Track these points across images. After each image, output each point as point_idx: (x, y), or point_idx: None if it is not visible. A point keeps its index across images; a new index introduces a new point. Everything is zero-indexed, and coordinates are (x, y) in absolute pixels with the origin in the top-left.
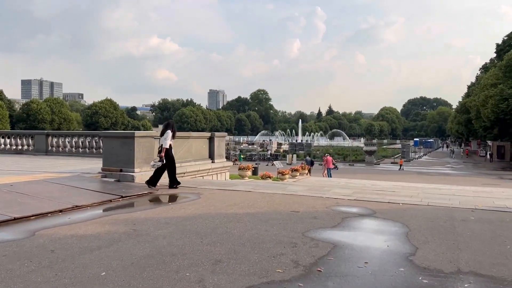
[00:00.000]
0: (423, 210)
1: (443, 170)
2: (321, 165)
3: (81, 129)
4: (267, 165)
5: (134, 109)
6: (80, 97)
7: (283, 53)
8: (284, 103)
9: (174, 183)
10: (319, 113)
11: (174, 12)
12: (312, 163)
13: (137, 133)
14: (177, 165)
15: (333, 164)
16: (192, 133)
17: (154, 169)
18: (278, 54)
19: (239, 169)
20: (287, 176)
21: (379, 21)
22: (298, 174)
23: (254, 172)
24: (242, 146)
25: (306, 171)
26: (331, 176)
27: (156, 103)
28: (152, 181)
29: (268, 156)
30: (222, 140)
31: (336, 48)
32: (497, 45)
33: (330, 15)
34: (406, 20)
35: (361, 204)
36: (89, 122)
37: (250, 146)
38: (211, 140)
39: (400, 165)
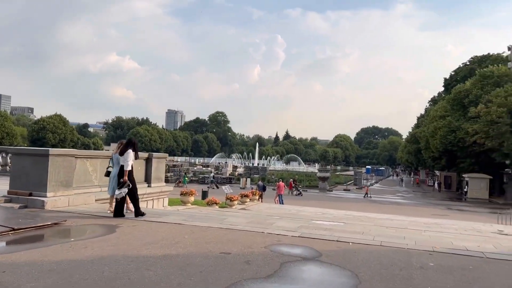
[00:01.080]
0: (376, 252)
1: (394, 199)
2: (275, 190)
3: (25, 145)
4: (208, 188)
5: (86, 126)
6: (30, 111)
7: (244, 78)
8: (243, 126)
9: (139, 212)
10: (277, 137)
11: (135, 30)
12: (264, 188)
13: (52, 150)
14: (101, 189)
15: (296, 189)
16: None
17: (118, 199)
18: (238, 78)
19: (181, 194)
20: (235, 202)
21: (336, 52)
22: (248, 200)
23: (204, 196)
24: (196, 168)
25: (257, 197)
26: (282, 203)
27: (110, 121)
28: (118, 212)
29: (211, 179)
30: (161, 162)
31: (294, 76)
32: (445, 79)
33: (290, 44)
34: (361, 53)
35: (306, 243)
36: (35, 138)
37: (204, 168)
38: (148, 161)
39: (366, 194)
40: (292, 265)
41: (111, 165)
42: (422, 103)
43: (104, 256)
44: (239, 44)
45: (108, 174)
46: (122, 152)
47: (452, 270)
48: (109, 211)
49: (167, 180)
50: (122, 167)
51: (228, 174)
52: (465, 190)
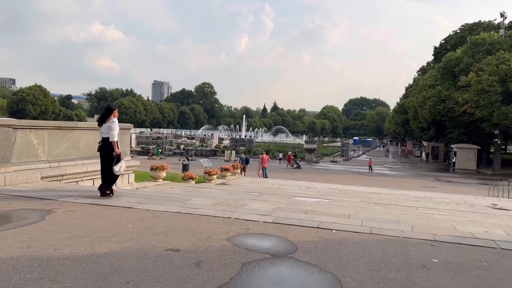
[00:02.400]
0: (365, 243)
1: (381, 170)
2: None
3: (4, 117)
4: (179, 160)
5: (69, 97)
6: (12, 82)
7: (231, 48)
8: (230, 98)
9: (108, 188)
10: (264, 109)
11: None
12: (247, 161)
13: None
14: (54, 164)
15: (295, 162)
16: (80, 123)
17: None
18: (226, 48)
19: (151, 169)
20: (214, 176)
21: (325, 21)
22: (229, 174)
23: (184, 169)
24: (180, 140)
25: (239, 170)
26: (266, 176)
27: (93, 92)
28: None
29: (181, 151)
30: (125, 134)
31: (283, 46)
32: (435, 47)
33: (278, 13)
34: (350, 22)
35: (280, 231)
36: (14, 109)
37: (188, 141)
38: None
39: (370, 166)
40: (256, 267)
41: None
42: (410, 74)
43: (4, 257)
44: (226, 13)
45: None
46: (102, 121)
47: (463, 270)
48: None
49: (148, 153)
50: (106, 139)
51: (213, 146)
52: (453, 160)
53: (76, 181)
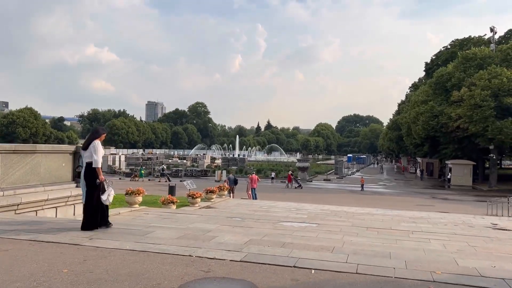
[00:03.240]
0: None
1: (376, 188)
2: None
3: None
4: (159, 182)
5: (61, 119)
6: (4, 105)
7: (225, 68)
8: (225, 117)
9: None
10: (258, 127)
11: (113, 22)
12: (235, 182)
13: None
14: (8, 192)
15: (296, 181)
16: (40, 146)
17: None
18: (219, 68)
19: (126, 193)
20: (198, 199)
21: (317, 40)
22: (214, 196)
23: (171, 191)
24: (170, 160)
25: (226, 192)
26: (256, 197)
27: (86, 114)
28: (94, 222)
29: (161, 172)
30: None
31: (276, 66)
32: (426, 63)
33: (271, 33)
34: (342, 41)
35: (247, 273)
36: (4, 132)
37: (179, 161)
38: (76, 155)
39: (362, 185)
40: None
41: (80, 164)
42: (402, 90)
43: None
44: (220, 34)
45: (79, 175)
46: (87, 144)
47: None
48: None
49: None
50: (89, 165)
51: (205, 166)
52: (448, 177)
53: (36, 211)
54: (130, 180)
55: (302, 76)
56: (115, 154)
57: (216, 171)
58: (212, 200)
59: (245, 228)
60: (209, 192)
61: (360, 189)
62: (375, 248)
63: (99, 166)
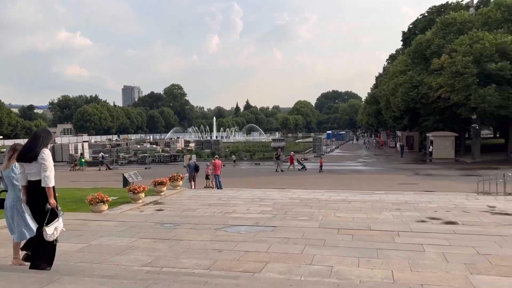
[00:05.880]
0: None
1: (355, 166)
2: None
3: None
4: (99, 170)
5: (31, 107)
6: None
7: (202, 49)
8: (204, 99)
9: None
10: (237, 108)
11: (84, 5)
12: (196, 169)
13: None
14: None
15: (299, 163)
16: None
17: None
18: (196, 49)
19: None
20: (141, 195)
21: (294, 18)
22: (165, 188)
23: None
24: (138, 146)
25: (180, 182)
26: (220, 187)
27: (56, 101)
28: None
29: (101, 159)
30: None
31: (253, 45)
32: (403, 32)
33: (246, 11)
34: (319, 17)
35: None
36: None
37: (149, 146)
38: None
39: (320, 166)
40: None
41: (2, 187)
42: (380, 65)
43: None
44: (195, 14)
45: (1, 203)
46: (29, 156)
47: None
48: (11, 263)
49: (98, 164)
50: (36, 184)
51: (176, 151)
52: (429, 150)
53: None
54: (70, 170)
55: (280, 54)
56: (87, 141)
57: (185, 156)
58: (162, 194)
59: (171, 241)
60: (158, 184)
61: (318, 171)
62: (345, 272)
63: (52, 185)
